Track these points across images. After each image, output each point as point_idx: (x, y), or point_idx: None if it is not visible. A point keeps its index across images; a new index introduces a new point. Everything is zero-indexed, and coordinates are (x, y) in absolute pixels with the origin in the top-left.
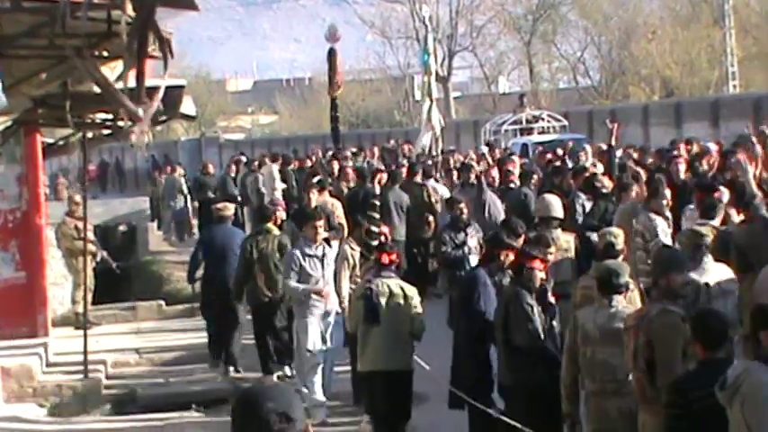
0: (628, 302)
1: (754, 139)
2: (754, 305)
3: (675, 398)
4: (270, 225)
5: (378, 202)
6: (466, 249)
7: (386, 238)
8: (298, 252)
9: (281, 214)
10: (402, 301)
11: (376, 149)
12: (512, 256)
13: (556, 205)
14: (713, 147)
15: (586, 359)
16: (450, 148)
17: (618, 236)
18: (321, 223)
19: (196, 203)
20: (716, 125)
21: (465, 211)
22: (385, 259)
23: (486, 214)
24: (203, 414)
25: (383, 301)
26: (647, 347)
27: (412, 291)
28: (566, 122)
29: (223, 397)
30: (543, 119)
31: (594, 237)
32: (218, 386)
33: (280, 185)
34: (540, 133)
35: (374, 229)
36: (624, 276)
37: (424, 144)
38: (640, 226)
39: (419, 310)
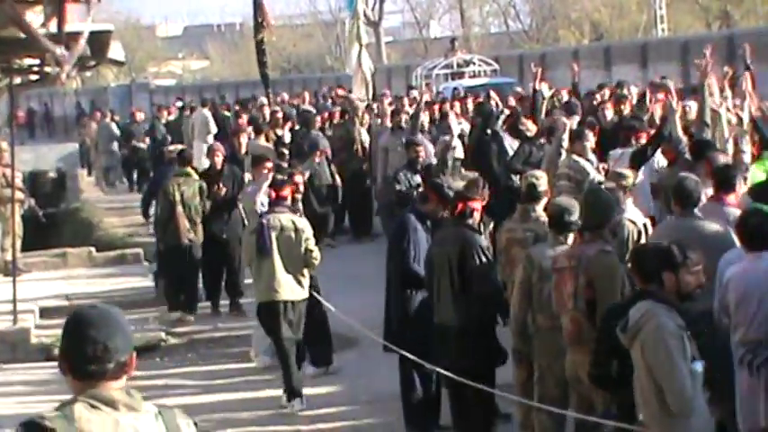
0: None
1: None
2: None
3: (606, 327)
4: (190, 169)
5: (285, 151)
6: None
7: (296, 184)
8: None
9: (219, 159)
10: (293, 234)
11: (307, 94)
12: (444, 206)
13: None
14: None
15: (543, 296)
16: (381, 92)
17: (540, 178)
18: (270, 165)
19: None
20: (644, 68)
21: (422, 154)
22: (281, 194)
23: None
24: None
25: (275, 234)
26: (588, 288)
27: (303, 223)
28: (497, 66)
29: (154, 344)
30: (474, 63)
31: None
32: (148, 333)
33: (213, 129)
34: (471, 77)
35: (279, 177)
36: (575, 214)
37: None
38: (565, 168)
39: (311, 242)
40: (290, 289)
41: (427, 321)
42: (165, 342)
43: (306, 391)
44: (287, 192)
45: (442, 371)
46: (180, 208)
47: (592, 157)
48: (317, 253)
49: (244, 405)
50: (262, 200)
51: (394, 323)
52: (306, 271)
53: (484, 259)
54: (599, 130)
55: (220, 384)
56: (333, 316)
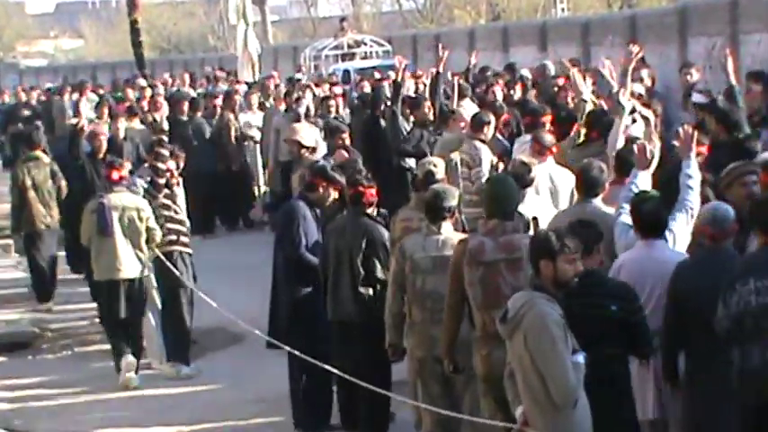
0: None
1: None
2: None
3: None
4: (38, 152)
5: (165, 137)
6: None
7: (171, 173)
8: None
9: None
10: (134, 214)
11: (187, 76)
12: (333, 191)
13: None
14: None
15: (416, 289)
16: (269, 74)
17: (438, 165)
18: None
19: None
20: (544, 49)
21: (348, 141)
22: (115, 176)
23: None
24: (5, 358)
25: (115, 214)
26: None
27: (143, 204)
28: (389, 47)
29: (25, 341)
30: (366, 44)
31: (410, 163)
32: (20, 329)
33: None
34: (362, 59)
35: (160, 165)
36: (451, 200)
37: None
38: (465, 155)
39: (152, 221)
40: (131, 267)
41: (318, 316)
42: (39, 337)
43: (187, 389)
44: (125, 172)
45: (332, 369)
46: (32, 193)
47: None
48: (158, 231)
49: (122, 404)
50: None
51: (282, 318)
52: (146, 249)
53: (387, 253)
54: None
55: (97, 383)
56: (217, 310)
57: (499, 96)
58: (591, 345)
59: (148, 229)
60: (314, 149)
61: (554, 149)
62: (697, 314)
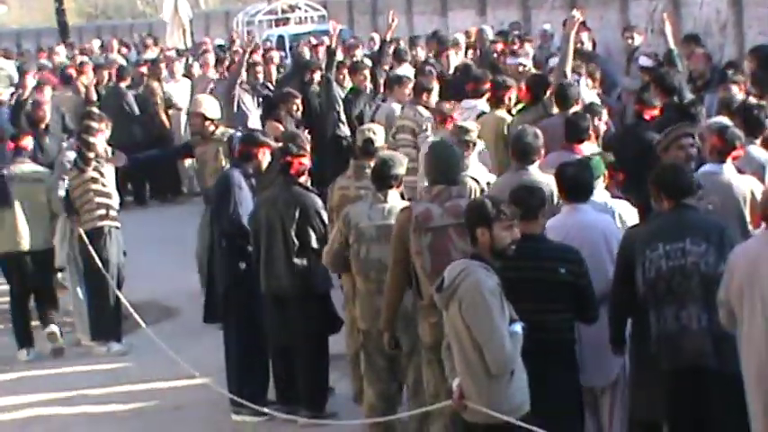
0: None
1: None
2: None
3: None
4: None
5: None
6: None
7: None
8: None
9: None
10: (35, 185)
11: (116, 43)
12: (268, 154)
13: None
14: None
15: (360, 258)
16: (200, 40)
17: (377, 132)
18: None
19: None
20: (483, 13)
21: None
22: (21, 144)
23: (237, 109)
24: None
25: (16, 185)
26: None
27: (45, 174)
28: (324, 12)
29: None
30: (300, 8)
31: (345, 131)
32: None
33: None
34: (296, 24)
35: (90, 138)
36: (399, 168)
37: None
38: (408, 121)
39: (55, 193)
40: (33, 239)
41: (256, 289)
42: None
43: (119, 365)
44: (27, 142)
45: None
46: None
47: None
48: (59, 203)
49: (52, 382)
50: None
51: (219, 291)
52: (50, 221)
53: (322, 222)
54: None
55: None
56: (149, 285)
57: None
58: (541, 309)
59: (49, 200)
60: (217, 122)
61: (455, 116)
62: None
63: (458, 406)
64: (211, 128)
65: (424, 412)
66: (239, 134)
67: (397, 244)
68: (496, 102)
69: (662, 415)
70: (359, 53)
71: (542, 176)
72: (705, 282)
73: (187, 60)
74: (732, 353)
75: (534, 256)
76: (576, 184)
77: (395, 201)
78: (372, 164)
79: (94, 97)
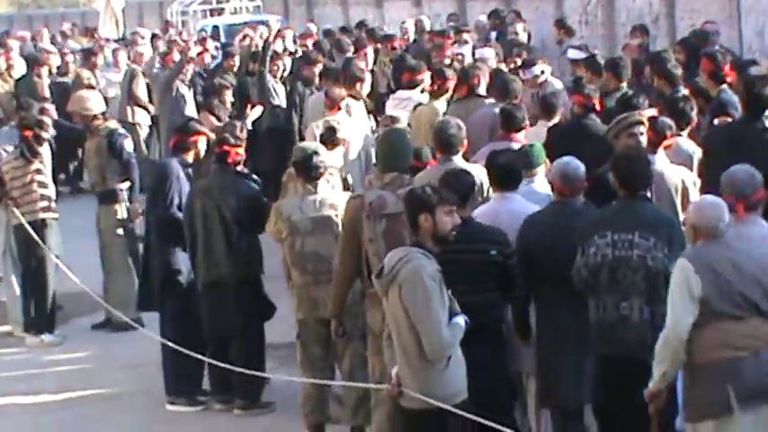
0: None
1: None
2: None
3: None
4: None
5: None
6: None
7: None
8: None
9: None
10: None
11: (46, 32)
12: (204, 142)
13: None
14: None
15: (296, 251)
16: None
17: (340, 122)
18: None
19: None
20: (418, 4)
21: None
22: None
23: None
24: None
25: None
26: None
27: None
28: (260, 3)
29: None
30: None
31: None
32: None
33: None
34: (231, 14)
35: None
36: (323, 158)
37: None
38: None
39: None
40: None
41: (192, 279)
42: None
43: (52, 357)
44: None
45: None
46: None
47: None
48: None
49: None
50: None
51: (155, 281)
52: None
53: (259, 209)
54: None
55: None
56: (83, 275)
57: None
58: (473, 290)
59: None
60: (101, 116)
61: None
62: (542, 267)
63: (393, 393)
64: (96, 122)
65: (365, 400)
66: (121, 130)
67: (347, 232)
68: (437, 92)
69: (587, 402)
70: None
71: (468, 167)
72: (650, 276)
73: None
74: None
75: (467, 238)
76: (505, 173)
77: (325, 191)
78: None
79: (47, 93)
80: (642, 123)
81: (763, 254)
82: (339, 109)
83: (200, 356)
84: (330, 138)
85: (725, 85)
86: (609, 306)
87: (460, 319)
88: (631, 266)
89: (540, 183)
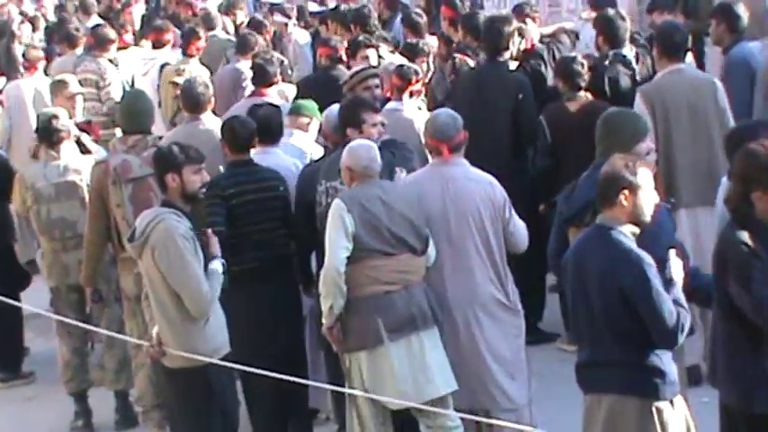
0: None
1: None
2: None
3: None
4: None
5: None
6: None
7: None
8: None
9: None
10: None
11: None
12: None
13: None
14: None
15: (42, 218)
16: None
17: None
18: None
19: None
20: None
21: None
22: None
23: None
24: None
25: None
26: None
27: None
28: None
29: None
30: None
31: None
32: None
33: None
34: None
35: None
36: (64, 119)
37: None
38: (90, 74)
39: None
40: None
41: None
42: None
43: None
44: None
45: None
46: None
47: None
48: None
49: None
50: None
51: None
52: None
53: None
54: None
55: None
56: None
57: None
58: (269, 228)
59: None
60: None
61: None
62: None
63: (156, 353)
64: None
65: (126, 364)
66: None
67: (94, 198)
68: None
69: None
70: None
71: (216, 125)
72: None
73: None
74: None
75: (256, 178)
76: (266, 126)
77: (69, 157)
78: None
79: None
80: (376, 76)
81: (414, 194)
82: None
83: None
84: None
85: None
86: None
87: (218, 264)
88: None
89: (300, 138)
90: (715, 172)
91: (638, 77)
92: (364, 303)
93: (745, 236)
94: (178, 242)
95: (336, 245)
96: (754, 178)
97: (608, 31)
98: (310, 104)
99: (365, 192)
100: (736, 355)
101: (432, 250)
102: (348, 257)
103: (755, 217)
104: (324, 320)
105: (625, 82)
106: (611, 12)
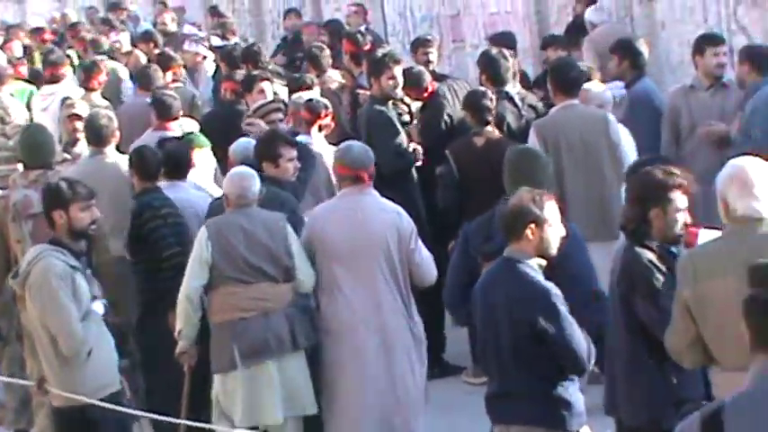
0: None
1: None
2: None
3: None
4: None
5: None
6: None
7: None
8: None
9: None
10: None
11: None
12: None
13: None
14: None
15: None
16: None
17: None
18: None
19: None
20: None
21: None
22: None
23: None
24: None
25: None
26: None
27: None
28: None
29: None
30: None
31: None
32: None
33: None
34: None
35: None
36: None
37: None
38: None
39: None
40: None
41: None
42: None
43: None
44: None
45: None
46: None
47: None
48: None
49: None
50: None
51: None
52: None
53: None
54: None
55: None
56: None
57: None
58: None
59: None
60: None
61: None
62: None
63: (39, 392)
64: None
65: (28, 402)
66: None
67: None
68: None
69: None
70: None
71: (121, 158)
72: None
73: None
74: None
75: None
76: (175, 160)
77: None
78: None
79: None
80: (279, 110)
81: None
82: None
83: None
84: None
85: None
86: None
87: (99, 305)
88: None
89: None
90: (608, 207)
91: (523, 114)
92: (221, 329)
93: (647, 254)
94: (52, 282)
95: (190, 273)
96: (650, 197)
97: (490, 69)
98: (202, 137)
99: (229, 220)
100: (642, 373)
101: (306, 277)
102: (209, 284)
103: (653, 236)
104: (180, 342)
105: (511, 119)
106: (493, 51)
